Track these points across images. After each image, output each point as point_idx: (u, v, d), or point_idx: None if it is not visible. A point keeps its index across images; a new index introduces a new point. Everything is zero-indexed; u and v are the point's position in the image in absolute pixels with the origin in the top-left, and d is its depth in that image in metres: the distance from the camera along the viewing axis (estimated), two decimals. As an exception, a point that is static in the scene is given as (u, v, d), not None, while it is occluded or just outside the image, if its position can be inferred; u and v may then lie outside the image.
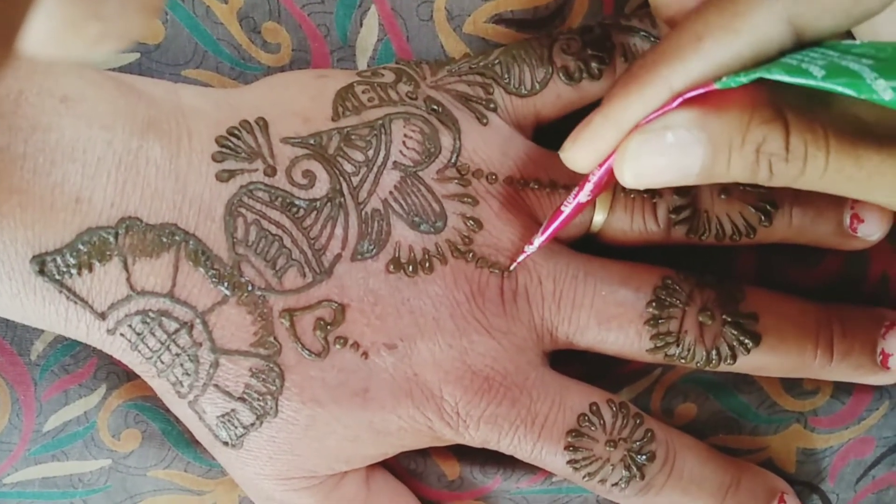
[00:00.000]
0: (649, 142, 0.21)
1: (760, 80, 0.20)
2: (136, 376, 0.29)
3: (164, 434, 0.30)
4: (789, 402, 0.30)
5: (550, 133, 0.29)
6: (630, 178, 0.22)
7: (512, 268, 0.27)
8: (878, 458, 0.30)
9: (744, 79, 0.20)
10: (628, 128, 0.21)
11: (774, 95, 0.21)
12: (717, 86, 0.20)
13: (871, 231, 0.27)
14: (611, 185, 0.24)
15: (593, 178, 0.23)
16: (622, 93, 0.21)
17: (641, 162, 0.21)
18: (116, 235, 0.24)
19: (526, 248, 0.26)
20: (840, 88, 0.18)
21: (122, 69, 0.29)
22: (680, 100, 0.21)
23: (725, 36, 0.20)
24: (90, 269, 0.24)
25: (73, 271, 0.24)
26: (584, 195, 0.24)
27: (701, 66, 0.20)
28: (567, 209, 0.25)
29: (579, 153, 0.23)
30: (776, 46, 0.20)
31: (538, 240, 0.26)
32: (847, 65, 0.19)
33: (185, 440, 0.30)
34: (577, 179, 0.27)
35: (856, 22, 0.20)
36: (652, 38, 0.28)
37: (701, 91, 0.21)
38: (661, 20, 0.23)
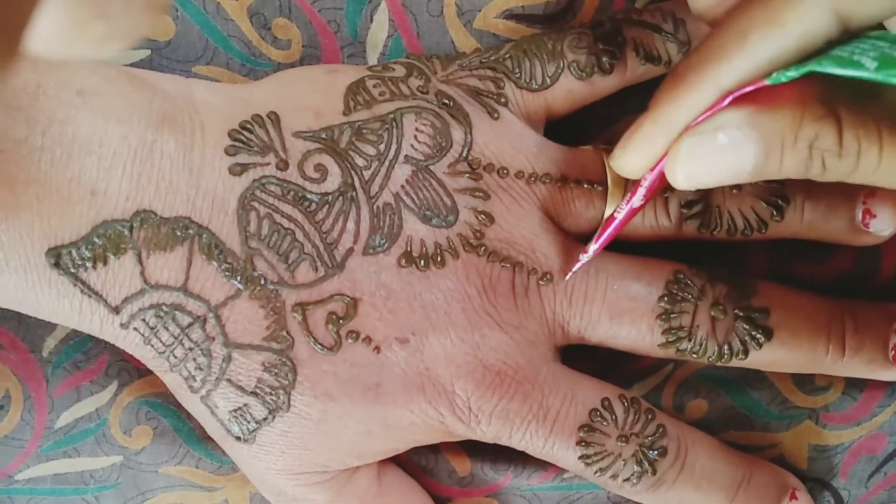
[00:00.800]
0: (701, 143, 0.21)
1: (810, 75, 0.20)
2: (148, 373, 0.29)
3: (176, 431, 0.30)
4: (801, 399, 0.30)
5: (561, 128, 0.29)
6: (683, 180, 0.21)
7: (567, 277, 0.27)
8: (890, 455, 0.30)
9: (794, 73, 0.19)
10: (678, 130, 0.21)
11: (825, 90, 0.20)
12: (767, 81, 0.20)
13: (883, 226, 0.27)
14: (663, 188, 0.23)
15: (645, 183, 0.23)
16: (670, 96, 0.21)
17: (694, 164, 0.21)
18: (131, 228, 0.25)
19: (581, 257, 0.26)
20: (893, 80, 0.18)
21: (132, 66, 0.29)
22: (730, 98, 0.21)
23: (771, 30, 0.20)
24: (105, 262, 0.25)
25: (88, 264, 0.24)
26: (637, 200, 0.24)
27: (748, 63, 0.20)
28: (620, 215, 0.25)
29: (631, 159, 0.22)
30: (823, 37, 0.20)
31: (592, 247, 0.26)
32: None
33: (196, 437, 0.30)
34: (590, 175, 0.27)
35: None
36: (662, 33, 0.28)
37: (751, 88, 0.20)
38: (705, 23, 0.23)
